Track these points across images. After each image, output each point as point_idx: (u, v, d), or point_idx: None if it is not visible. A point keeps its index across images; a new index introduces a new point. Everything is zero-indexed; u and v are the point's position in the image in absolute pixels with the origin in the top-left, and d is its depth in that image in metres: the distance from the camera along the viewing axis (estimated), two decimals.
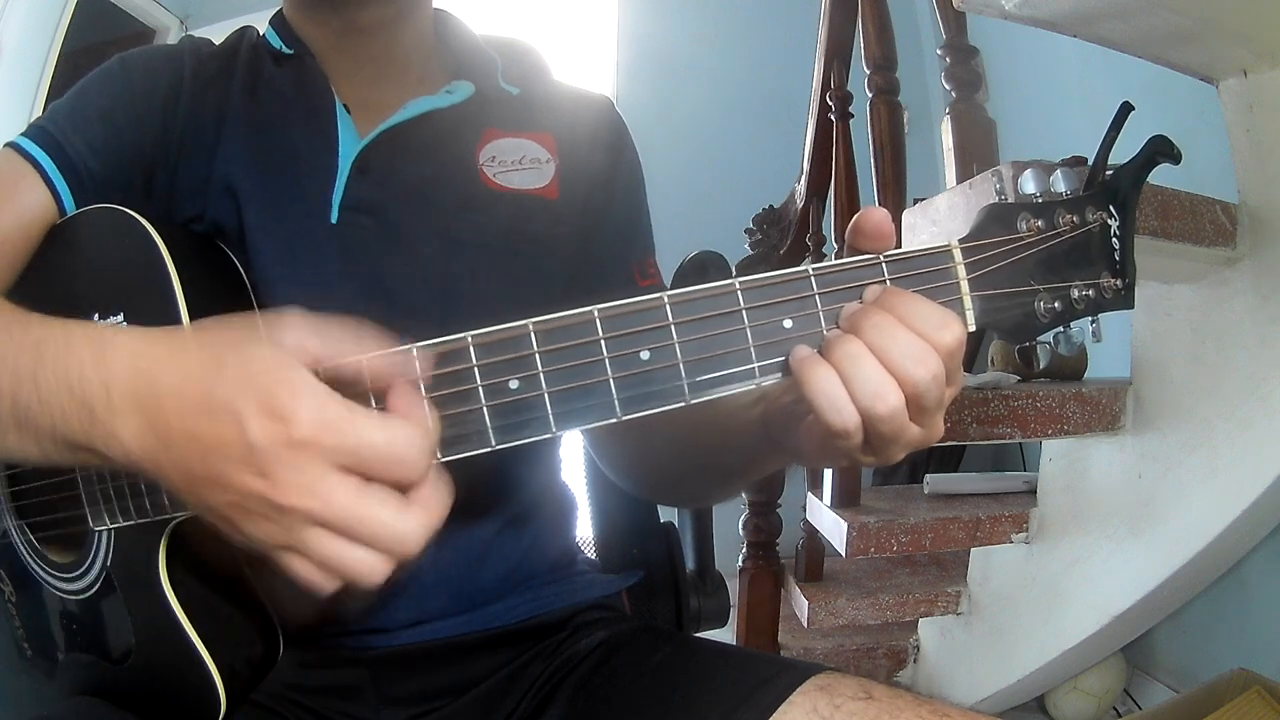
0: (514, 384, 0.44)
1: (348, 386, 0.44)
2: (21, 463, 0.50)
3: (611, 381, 0.44)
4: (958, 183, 1.64)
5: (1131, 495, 1.45)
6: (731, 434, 0.58)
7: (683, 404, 0.45)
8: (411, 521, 0.43)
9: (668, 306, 0.44)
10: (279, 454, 0.40)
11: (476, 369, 0.44)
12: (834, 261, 0.46)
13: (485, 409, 0.44)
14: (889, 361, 0.44)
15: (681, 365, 0.45)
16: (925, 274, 0.46)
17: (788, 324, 0.45)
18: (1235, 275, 1.30)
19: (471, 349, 0.44)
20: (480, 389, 0.44)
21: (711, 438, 0.61)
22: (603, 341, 0.44)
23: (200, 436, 0.42)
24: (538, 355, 0.44)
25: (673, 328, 0.44)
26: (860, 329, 0.44)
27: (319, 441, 0.40)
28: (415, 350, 0.44)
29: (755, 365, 0.45)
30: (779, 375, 0.46)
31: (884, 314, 0.44)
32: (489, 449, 0.45)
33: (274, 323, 0.45)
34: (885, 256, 0.46)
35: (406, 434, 0.42)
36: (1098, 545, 1.51)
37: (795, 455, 0.53)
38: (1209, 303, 1.34)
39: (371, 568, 0.42)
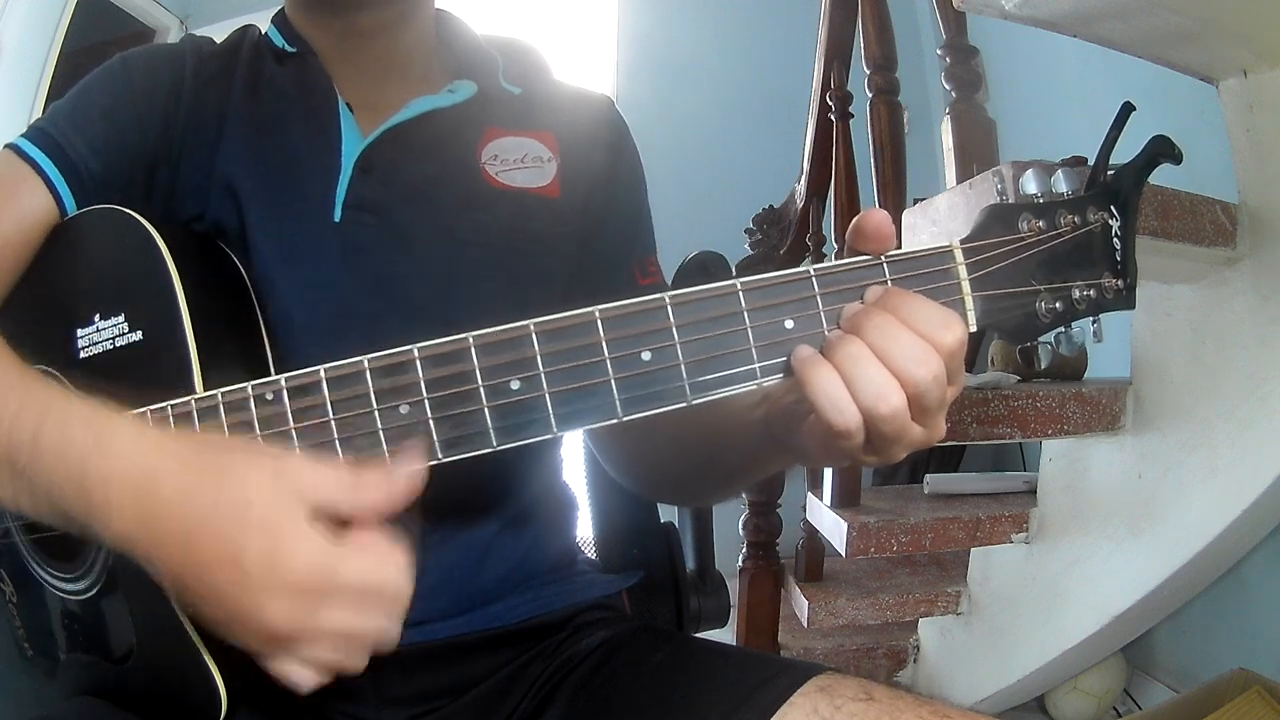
0: (515, 384, 0.44)
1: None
2: (14, 510, 0.52)
3: (613, 382, 0.44)
4: (958, 183, 1.64)
5: (1131, 495, 1.45)
6: (734, 434, 0.58)
7: (684, 404, 0.45)
8: (389, 620, 0.46)
9: (669, 307, 0.44)
10: (273, 592, 0.43)
11: (478, 370, 0.44)
12: (835, 262, 0.46)
13: (486, 409, 0.44)
14: (891, 362, 0.44)
15: (683, 366, 0.44)
16: (926, 274, 0.46)
17: (789, 324, 0.45)
18: (1235, 275, 1.30)
19: (473, 350, 0.44)
20: (481, 389, 0.44)
21: (714, 438, 0.61)
22: (604, 342, 0.44)
23: (196, 558, 0.44)
24: (539, 356, 0.44)
25: (674, 328, 0.44)
26: (862, 329, 0.44)
27: (311, 584, 0.43)
28: (416, 351, 0.44)
29: (757, 365, 0.45)
30: (780, 376, 0.46)
31: (886, 315, 0.44)
32: (490, 449, 0.45)
33: (276, 458, 0.46)
34: (887, 257, 0.46)
35: (388, 566, 0.45)
36: (1098, 545, 1.51)
37: (798, 455, 0.53)
38: (1209, 303, 1.34)
39: (350, 661, 0.46)
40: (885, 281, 0.46)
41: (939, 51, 1.80)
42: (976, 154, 1.71)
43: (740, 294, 0.45)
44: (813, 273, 0.45)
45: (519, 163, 0.73)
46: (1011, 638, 1.67)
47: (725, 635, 1.50)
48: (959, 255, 0.47)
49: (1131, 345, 1.48)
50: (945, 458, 2.37)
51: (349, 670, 0.46)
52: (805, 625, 1.76)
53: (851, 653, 1.88)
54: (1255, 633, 1.56)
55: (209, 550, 0.44)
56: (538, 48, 0.82)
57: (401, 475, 0.46)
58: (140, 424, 0.49)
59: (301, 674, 0.46)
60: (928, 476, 1.76)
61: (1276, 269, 1.25)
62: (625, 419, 0.44)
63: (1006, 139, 2.03)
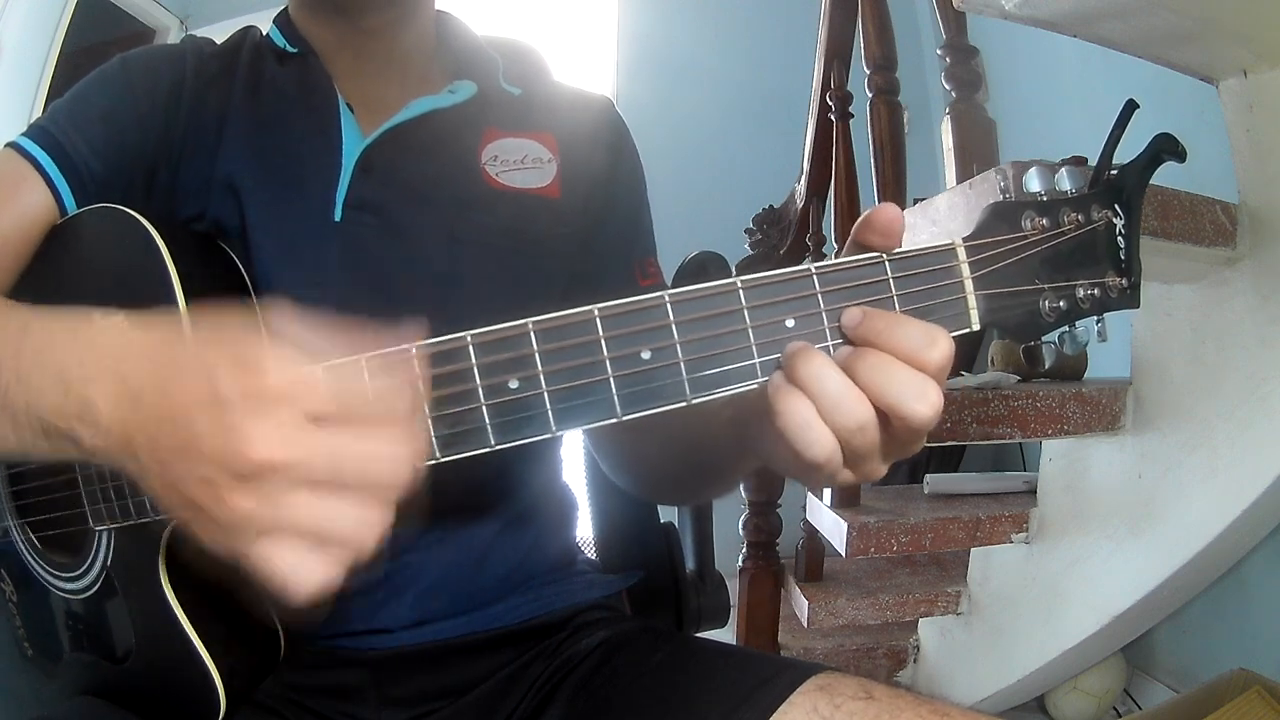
0: (514, 383, 0.44)
1: None
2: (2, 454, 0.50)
3: (612, 381, 0.44)
4: (958, 183, 1.64)
5: (1131, 495, 1.45)
6: (708, 433, 0.58)
7: (684, 403, 0.45)
8: (401, 447, 0.39)
9: (669, 305, 0.44)
10: (249, 405, 0.37)
11: (476, 368, 0.44)
12: (836, 260, 0.46)
13: (485, 408, 0.44)
14: (887, 404, 0.42)
15: (682, 364, 0.44)
16: (929, 273, 0.46)
17: (789, 323, 0.45)
18: (1235, 275, 1.30)
19: (471, 348, 0.44)
20: (480, 388, 0.44)
21: (694, 437, 0.61)
22: (603, 341, 0.44)
23: (170, 394, 0.40)
24: (538, 354, 0.44)
25: (674, 327, 0.44)
26: (856, 371, 0.43)
27: (292, 391, 0.38)
28: (415, 349, 0.44)
29: (756, 363, 0.45)
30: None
31: (876, 355, 0.43)
32: (489, 448, 0.45)
33: (268, 318, 0.43)
34: (888, 255, 0.46)
35: (390, 385, 0.40)
36: (1098, 545, 1.51)
37: (769, 462, 0.51)
38: (1209, 303, 1.34)
39: (367, 522, 0.38)
40: (887, 280, 0.46)
41: (939, 51, 1.80)
42: (976, 154, 1.71)
43: (740, 292, 0.45)
44: (813, 271, 0.45)
45: (519, 163, 0.73)
46: (1011, 638, 1.67)
47: (725, 635, 1.49)
48: (962, 253, 0.46)
49: (1131, 345, 1.48)
50: (945, 458, 2.37)
51: (359, 546, 0.39)
52: (805, 625, 1.76)
53: (851, 653, 1.88)
54: (1255, 633, 1.56)
55: (182, 388, 0.39)
56: (538, 48, 0.82)
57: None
58: (116, 313, 0.46)
59: (302, 564, 0.38)
60: (928, 476, 1.76)
61: (1276, 269, 1.25)
62: (625, 418, 0.44)
63: (1006, 139, 2.03)
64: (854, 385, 0.43)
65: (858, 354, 0.44)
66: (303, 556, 0.38)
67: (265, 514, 0.38)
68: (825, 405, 0.42)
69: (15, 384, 0.46)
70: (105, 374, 0.42)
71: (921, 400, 0.42)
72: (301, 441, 0.37)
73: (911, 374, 0.43)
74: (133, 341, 0.43)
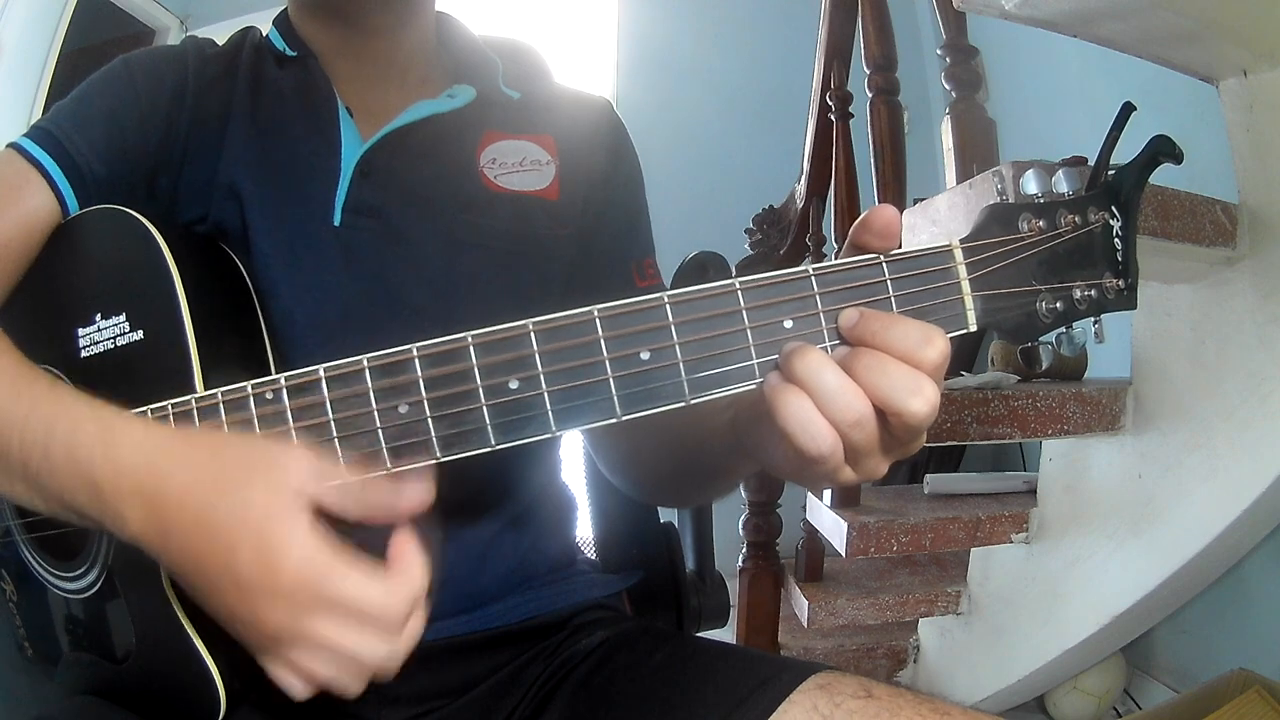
0: (514, 384, 0.44)
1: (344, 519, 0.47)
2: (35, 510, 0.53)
3: (611, 381, 0.44)
4: (958, 183, 1.64)
5: (1131, 495, 1.45)
6: (707, 435, 0.58)
7: (683, 404, 0.45)
8: (390, 647, 0.45)
9: (668, 306, 0.44)
10: (263, 594, 0.44)
11: (476, 369, 0.44)
12: (834, 261, 0.46)
13: (485, 408, 0.44)
14: (884, 401, 0.43)
15: (681, 365, 0.44)
16: (926, 274, 0.46)
17: (788, 324, 0.45)
18: (1235, 275, 1.30)
19: (471, 349, 0.44)
20: (480, 388, 0.44)
21: (692, 439, 0.61)
22: (602, 341, 0.44)
23: (197, 551, 0.45)
24: (537, 355, 0.44)
25: (673, 328, 0.44)
26: (854, 370, 0.43)
27: (299, 592, 0.43)
28: (415, 350, 0.44)
29: (755, 364, 0.45)
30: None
31: (872, 354, 0.43)
32: (489, 448, 0.45)
33: (281, 459, 0.46)
34: (886, 256, 0.46)
35: (385, 590, 0.44)
36: (1098, 545, 1.51)
37: (768, 465, 0.51)
38: (1209, 303, 1.34)
39: (345, 682, 0.46)
40: (885, 281, 0.46)
41: (939, 51, 1.80)
42: (976, 154, 1.71)
43: (739, 293, 0.45)
44: (811, 272, 0.45)
45: (518, 166, 0.73)
46: (1011, 638, 1.67)
47: (725, 635, 1.50)
48: (959, 255, 0.46)
49: (1131, 345, 1.48)
50: (945, 458, 2.37)
51: (342, 692, 0.46)
52: (805, 625, 1.76)
53: (851, 653, 1.88)
54: (1255, 633, 1.56)
55: (208, 549, 0.45)
56: (537, 49, 0.82)
57: (411, 485, 0.46)
58: (148, 423, 0.50)
59: (294, 681, 0.46)
60: (928, 476, 1.76)
61: (1276, 269, 1.25)
62: (624, 418, 0.44)
63: (1006, 139, 2.03)
64: (851, 380, 0.43)
65: (854, 353, 0.44)
66: (296, 680, 0.46)
67: (267, 650, 0.46)
68: (823, 400, 0.43)
69: (47, 474, 0.49)
70: (138, 503, 0.46)
71: (917, 397, 0.42)
72: (298, 629, 0.44)
73: (908, 371, 0.43)
74: (164, 480, 0.46)
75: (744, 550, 1.80)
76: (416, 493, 0.46)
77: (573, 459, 0.93)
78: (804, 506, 1.81)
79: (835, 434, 0.43)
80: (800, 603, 1.78)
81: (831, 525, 1.61)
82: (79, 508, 0.49)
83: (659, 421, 0.63)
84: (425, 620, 0.47)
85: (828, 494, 1.66)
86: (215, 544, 0.44)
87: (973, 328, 0.47)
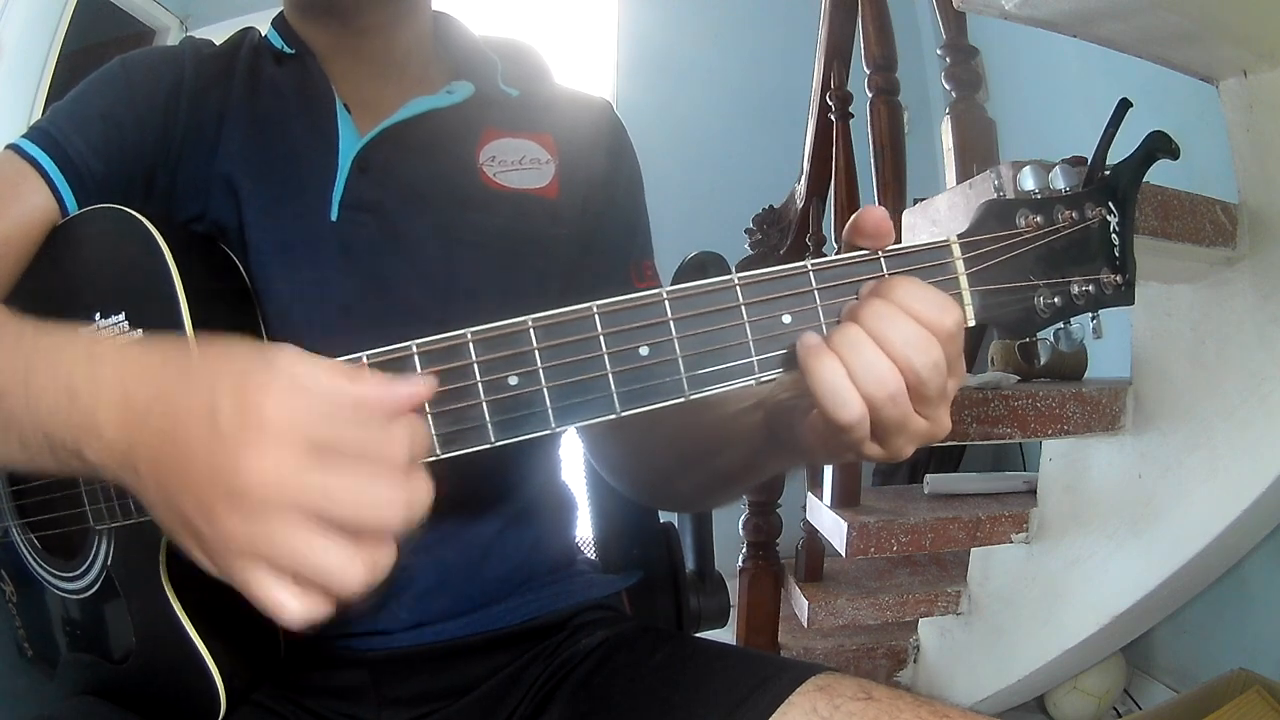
0: (513, 380, 0.44)
1: None
2: (6, 465, 0.50)
3: (610, 377, 0.44)
4: (958, 183, 1.64)
5: (1131, 495, 1.45)
6: (734, 437, 0.58)
7: (682, 400, 0.45)
8: (398, 492, 0.38)
9: (667, 303, 0.44)
10: (246, 433, 0.37)
11: (476, 365, 0.44)
12: (833, 257, 0.46)
13: (485, 405, 0.44)
14: (890, 348, 0.44)
15: (680, 361, 0.45)
16: (924, 269, 0.46)
17: (787, 319, 0.45)
18: (1235, 275, 1.30)
19: (471, 345, 0.44)
20: (480, 385, 0.44)
21: (713, 441, 0.61)
22: (601, 337, 0.44)
23: (171, 412, 0.40)
24: (537, 351, 0.44)
25: (672, 324, 0.44)
26: (860, 317, 0.44)
27: (291, 422, 0.37)
28: (414, 347, 0.44)
29: (754, 360, 0.45)
30: (779, 371, 0.46)
31: (883, 301, 0.44)
32: (489, 445, 0.45)
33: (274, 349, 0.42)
34: (884, 252, 0.46)
35: (396, 428, 0.39)
36: (1098, 545, 1.50)
37: (800, 454, 0.53)
38: (1209, 303, 1.34)
39: (353, 563, 0.38)
40: (883, 276, 0.46)
41: (939, 51, 1.80)
42: (976, 154, 1.70)
43: (738, 289, 0.45)
44: (810, 268, 0.45)
45: (517, 164, 0.73)
46: (1011, 638, 1.66)
47: (725, 635, 1.49)
48: (956, 250, 0.47)
49: (1131, 345, 1.48)
50: (945, 458, 2.37)
51: (344, 586, 0.38)
52: (805, 625, 1.76)
53: (851, 653, 1.88)
54: (1255, 633, 1.56)
55: (185, 416, 0.39)
56: (537, 49, 0.82)
57: (408, 379, 0.41)
58: (136, 341, 0.48)
59: (283, 590, 0.38)
60: (928, 476, 1.76)
61: (1276, 269, 1.25)
62: (624, 414, 0.44)
63: (1006, 139, 2.03)
64: (886, 357, 0.44)
65: (864, 300, 0.45)
66: (287, 587, 0.38)
67: (253, 541, 0.37)
68: (856, 369, 0.43)
69: (25, 404, 0.46)
70: (112, 391, 0.42)
71: (922, 352, 0.43)
72: (294, 475, 0.37)
73: (914, 325, 0.44)
74: (141, 359, 0.43)
75: (744, 550, 1.80)
76: (414, 384, 0.41)
77: (573, 459, 0.93)
78: (804, 506, 1.81)
79: (863, 403, 0.44)
80: (800, 603, 1.78)
81: (831, 525, 1.61)
82: (56, 433, 0.44)
83: (673, 425, 0.63)
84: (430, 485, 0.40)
85: (827, 494, 1.66)
86: (192, 401, 0.39)
87: (971, 323, 0.47)
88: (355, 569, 0.38)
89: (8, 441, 0.47)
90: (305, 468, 0.37)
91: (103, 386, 0.43)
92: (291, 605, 0.38)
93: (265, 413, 0.37)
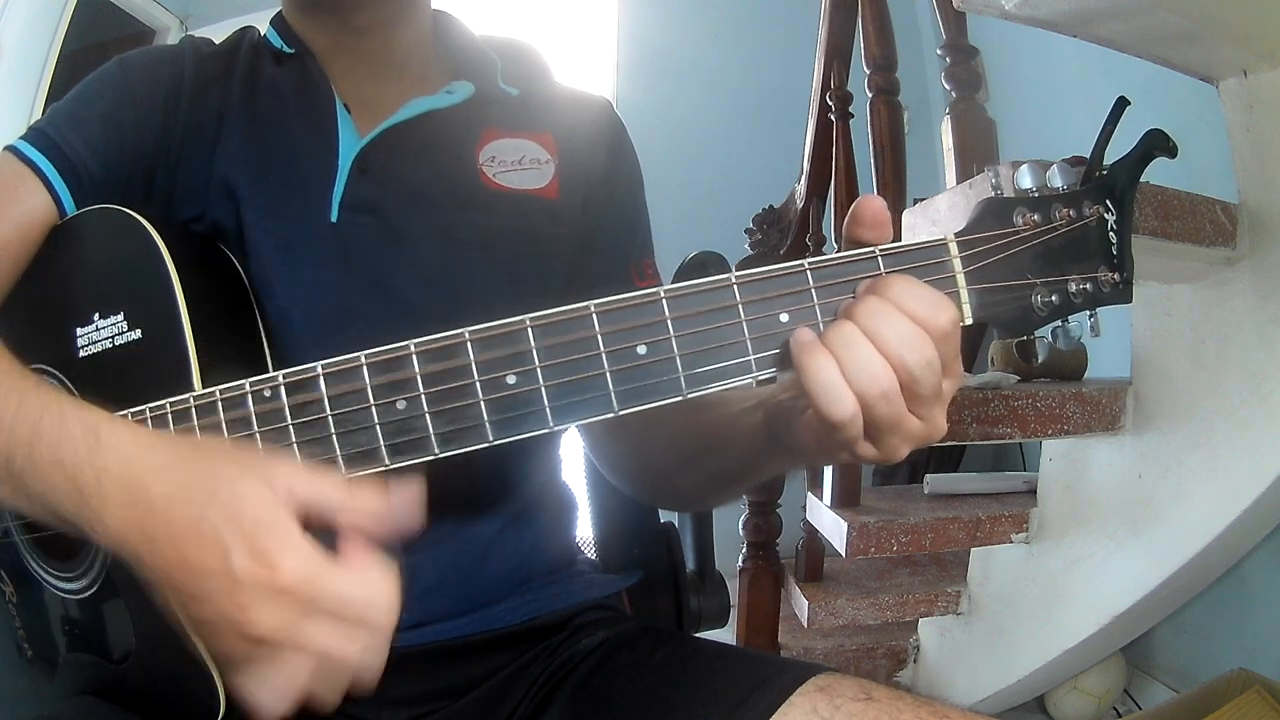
0: (511, 379, 0.44)
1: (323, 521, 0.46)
2: (11, 510, 0.52)
3: (608, 376, 0.44)
4: (958, 183, 1.64)
5: (1131, 495, 1.45)
6: (734, 437, 0.58)
7: (679, 398, 0.45)
8: (373, 657, 0.45)
9: (664, 301, 0.44)
10: (258, 594, 0.42)
11: (474, 364, 0.44)
12: (829, 255, 0.46)
13: (483, 403, 0.44)
14: (882, 345, 0.43)
15: (678, 359, 0.45)
16: (921, 267, 0.46)
17: (784, 318, 0.45)
18: (1235, 275, 1.30)
19: (469, 344, 0.44)
20: (478, 384, 0.44)
21: (714, 441, 0.61)
22: (599, 336, 0.44)
23: (185, 556, 0.44)
24: (534, 350, 0.44)
25: (669, 322, 0.44)
26: (854, 314, 0.44)
27: (298, 591, 0.42)
28: (413, 346, 0.44)
29: (751, 359, 0.45)
30: (775, 369, 0.46)
31: (877, 299, 0.44)
32: (487, 444, 0.45)
33: (269, 462, 0.46)
34: (881, 250, 0.46)
35: (378, 589, 0.44)
36: (1098, 545, 1.50)
37: (798, 454, 0.52)
38: (1209, 303, 1.34)
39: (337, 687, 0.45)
40: (880, 275, 0.46)
41: (939, 51, 1.80)
42: (976, 154, 1.70)
43: (735, 288, 0.45)
44: (807, 267, 0.45)
45: (517, 164, 0.73)
46: (1011, 638, 1.66)
47: (725, 635, 1.49)
48: (953, 248, 0.47)
49: (1131, 345, 1.48)
50: (945, 458, 2.37)
51: (321, 702, 0.45)
52: (805, 625, 1.76)
53: (851, 653, 1.88)
54: (1255, 633, 1.56)
55: (197, 552, 0.43)
56: (537, 49, 0.82)
57: (400, 495, 0.45)
58: (134, 427, 0.49)
59: (269, 695, 0.44)
60: (928, 476, 1.76)
61: (1276, 269, 1.25)
62: (621, 412, 0.45)
63: (1006, 139, 2.03)
64: (880, 354, 0.43)
65: (859, 298, 0.45)
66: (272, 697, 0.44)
67: (249, 659, 0.44)
68: (849, 366, 0.43)
69: (30, 472, 0.48)
70: (121, 504, 0.45)
71: (915, 349, 0.43)
72: (292, 632, 0.43)
73: (907, 322, 0.44)
74: (150, 482, 0.45)
75: (744, 550, 1.80)
76: (407, 506, 0.45)
77: (573, 459, 0.93)
78: (804, 506, 1.81)
79: (856, 400, 0.44)
80: (800, 603, 1.77)
81: (831, 525, 1.61)
82: (60, 509, 0.48)
83: (674, 425, 0.63)
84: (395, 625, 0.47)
85: (827, 494, 1.66)
86: (206, 547, 0.43)
87: (968, 321, 0.47)
88: (329, 691, 0.45)
89: (15, 497, 0.50)
90: (302, 620, 0.43)
91: (107, 484, 0.46)
92: (269, 707, 0.44)
93: (279, 576, 0.42)
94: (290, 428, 0.48)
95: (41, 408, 0.49)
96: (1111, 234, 0.48)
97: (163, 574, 0.45)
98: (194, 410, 0.51)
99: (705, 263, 0.95)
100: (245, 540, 0.43)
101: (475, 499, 0.70)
